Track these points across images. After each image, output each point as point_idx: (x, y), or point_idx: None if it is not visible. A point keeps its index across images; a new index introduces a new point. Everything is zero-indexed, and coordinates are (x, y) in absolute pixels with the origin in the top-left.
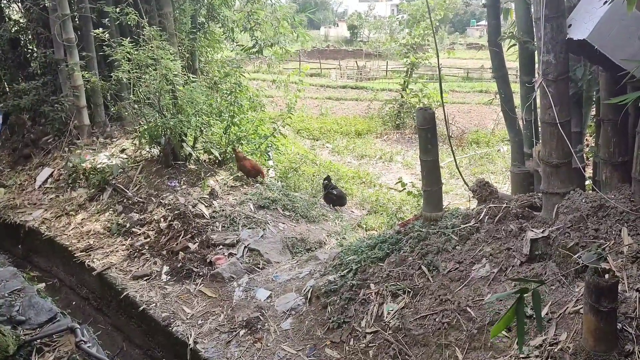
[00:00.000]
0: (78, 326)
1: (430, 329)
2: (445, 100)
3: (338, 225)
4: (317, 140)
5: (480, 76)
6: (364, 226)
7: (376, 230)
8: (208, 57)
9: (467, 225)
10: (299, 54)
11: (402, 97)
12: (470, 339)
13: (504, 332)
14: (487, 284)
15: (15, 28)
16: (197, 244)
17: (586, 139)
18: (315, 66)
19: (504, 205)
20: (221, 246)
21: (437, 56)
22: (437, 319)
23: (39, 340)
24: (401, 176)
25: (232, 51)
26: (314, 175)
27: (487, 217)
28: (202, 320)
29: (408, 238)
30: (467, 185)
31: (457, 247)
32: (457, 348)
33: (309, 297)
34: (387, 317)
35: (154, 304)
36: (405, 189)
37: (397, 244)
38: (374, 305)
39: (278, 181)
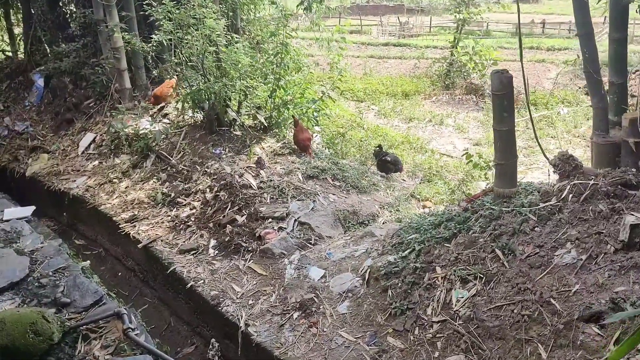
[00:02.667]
0: (125, 311)
1: (507, 321)
2: (498, 58)
3: (390, 195)
4: (361, 102)
5: (531, 31)
6: (418, 196)
7: (431, 201)
8: (250, 16)
9: (547, 204)
10: (338, 10)
11: (452, 55)
12: (556, 334)
13: (595, 329)
14: (573, 273)
15: None
16: (244, 216)
17: None
18: (356, 23)
19: (591, 182)
20: (270, 219)
21: (518, 8)
22: (515, 310)
23: (84, 327)
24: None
25: (276, 8)
26: (361, 141)
27: (570, 195)
28: (252, 300)
29: (478, 216)
30: (547, 159)
31: (535, 228)
32: (539, 344)
33: (366, 279)
34: (456, 305)
35: (202, 281)
36: (471, 160)
37: (465, 223)
38: (441, 291)
39: (325, 148)
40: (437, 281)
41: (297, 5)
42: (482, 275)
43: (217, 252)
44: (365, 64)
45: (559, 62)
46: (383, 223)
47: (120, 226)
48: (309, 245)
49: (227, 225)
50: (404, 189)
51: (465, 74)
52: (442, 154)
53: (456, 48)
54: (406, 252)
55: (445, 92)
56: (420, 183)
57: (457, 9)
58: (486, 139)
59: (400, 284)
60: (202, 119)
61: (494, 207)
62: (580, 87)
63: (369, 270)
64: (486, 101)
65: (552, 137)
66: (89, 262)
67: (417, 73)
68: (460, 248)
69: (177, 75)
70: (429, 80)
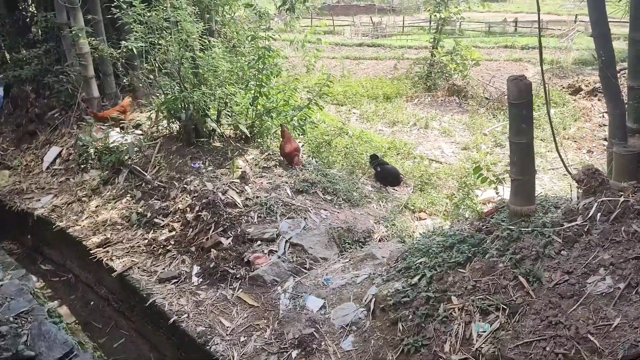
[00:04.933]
0: None
1: None
2: (480, 58)
3: (383, 208)
4: (342, 105)
5: (503, 30)
6: (412, 207)
7: (426, 212)
8: (225, 17)
9: (573, 224)
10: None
11: (432, 55)
12: None
13: None
14: (611, 304)
15: None
16: (230, 238)
17: None
18: (328, 23)
19: (621, 199)
20: (259, 242)
21: (538, 9)
22: (547, 348)
23: None
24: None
25: (253, 9)
26: (347, 148)
27: (599, 213)
28: (244, 336)
29: (494, 238)
30: (570, 173)
31: (562, 252)
32: None
33: (372, 309)
34: (477, 340)
35: (186, 315)
36: (481, 174)
37: (479, 245)
38: (459, 325)
39: (312, 157)
40: (453, 313)
41: (279, 6)
42: (505, 306)
43: (201, 280)
44: (341, 65)
45: (535, 60)
46: (380, 240)
47: (91, 251)
48: (303, 270)
49: (212, 249)
50: (397, 200)
51: (447, 75)
52: (431, 159)
53: (437, 48)
54: (415, 278)
55: (427, 93)
56: (412, 192)
57: (437, 8)
58: (474, 143)
59: (411, 316)
60: (178, 129)
61: (511, 227)
62: (563, 87)
63: (374, 299)
64: (469, 103)
65: (541, 139)
66: (57, 302)
67: (397, 74)
68: (477, 274)
69: (149, 83)
70: (409, 82)
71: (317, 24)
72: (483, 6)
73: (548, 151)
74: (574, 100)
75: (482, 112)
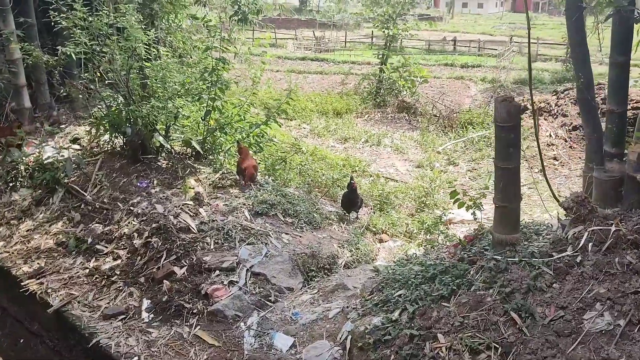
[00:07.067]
0: None
1: None
2: (428, 75)
3: (344, 230)
4: (291, 120)
5: (443, 48)
6: (374, 229)
7: (387, 234)
8: (171, 25)
9: (563, 254)
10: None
11: (381, 72)
12: None
13: None
14: (612, 343)
15: None
16: (185, 268)
17: None
18: (270, 36)
19: (612, 228)
20: (217, 271)
21: (528, 28)
22: None
23: None
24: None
25: (202, 19)
26: (301, 165)
27: (590, 243)
28: None
29: (479, 268)
30: (558, 200)
31: (554, 284)
32: None
33: (348, 348)
34: None
35: (137, 357)
36: (458, 199)
37: (463, 277)
38: None
39: (268, 175)
40: (440, 352)
41: (230, 17)
42: (497, 345)
43: (152, 315)
44: (287, 78)
45: (476, 79)
46: (345, 266)
47: (22, 283)
48: (268, 303)
49: (164, 280)
50: (357, 221)
51: (396, 91)
52: (387, 177)
53: (385, 64)
54: (396, 313)
55: (377, 110)
56: (372, 212)
57: (385, 25)
58: (427, 160)
59: (394, 357)
60: (122, 145)
61: (497, 257)
62: None
63: (350, 336)
64: (419, 120)
65: (493, 158)
66: None
67: (345, 90)
68: (464, 309)
69: (89, 93)
70: (359, 98)
71: (258, 37)
72: (430, 24)
73: None
74: (521, 119)
75: (432, 130)
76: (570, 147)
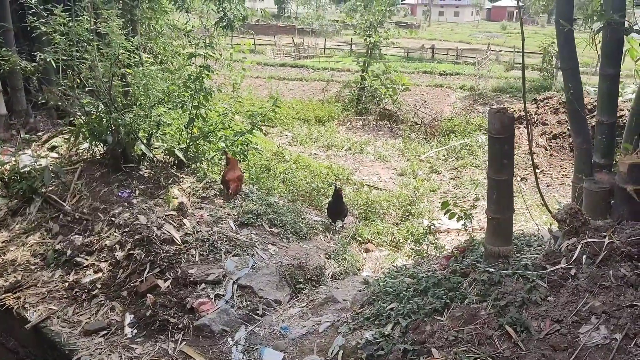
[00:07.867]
0: None
1: None
2: (409, 83)
3: (330, 239)
4: (273, 127)
5: (421, 56)
6: (359, 238)
7: (373, 243)
8: (151, 31)
9: (557, 267)
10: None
11: (362, 79)
12: None
13: None
14: (609, 357)
15: None
16: (169, 281)
17: None
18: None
19: (606, 240)
20: (203, 284)
21: (522, 38)
22: None
23: None
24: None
25: (185, 25)
26: (285, 173)
27: (584, 256)
28: None
29: (471, 281)
30: (551, 212)
31: (548, 298)
32: None
33: None
34: None
35: None
36: (449, 210)
37: (456, 289)
38: None
39: (252, 184)
40: None
41: (216, 23)
42: None
43: (136, 331)
44: (267, 85)
45: (455, 87)
46: (333, 277)
47: None
48: (256, 317)
49: (147, 294)
50: (343, 230)
51: (377, 99)
52: (371, 186)
53: (367, 72)
54: (388, 327)
55: (358, 117)
56: (357, 221)
57: (367, 32)
58: (410, 168)
59: None
60: (102, 153)
61: (490, 269)
62: (484, 112)
63: (341, 351)
64: (401, 127)
65: (475, 166)
66: None
67: (327, 97)
68: (458, 323)
69: (68, 100)
70: (340, 105)
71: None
72: (410, 32)
73: (484, 179)
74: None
75: (414, 138)
76: (551, 155)
